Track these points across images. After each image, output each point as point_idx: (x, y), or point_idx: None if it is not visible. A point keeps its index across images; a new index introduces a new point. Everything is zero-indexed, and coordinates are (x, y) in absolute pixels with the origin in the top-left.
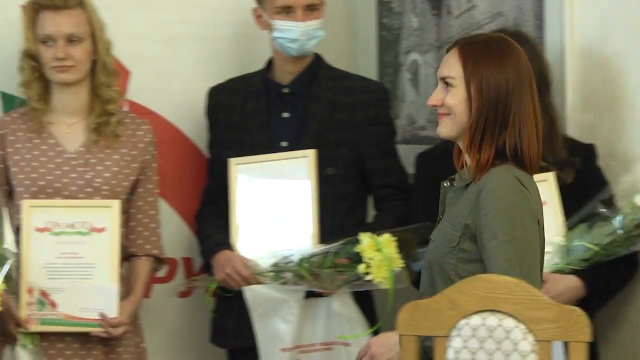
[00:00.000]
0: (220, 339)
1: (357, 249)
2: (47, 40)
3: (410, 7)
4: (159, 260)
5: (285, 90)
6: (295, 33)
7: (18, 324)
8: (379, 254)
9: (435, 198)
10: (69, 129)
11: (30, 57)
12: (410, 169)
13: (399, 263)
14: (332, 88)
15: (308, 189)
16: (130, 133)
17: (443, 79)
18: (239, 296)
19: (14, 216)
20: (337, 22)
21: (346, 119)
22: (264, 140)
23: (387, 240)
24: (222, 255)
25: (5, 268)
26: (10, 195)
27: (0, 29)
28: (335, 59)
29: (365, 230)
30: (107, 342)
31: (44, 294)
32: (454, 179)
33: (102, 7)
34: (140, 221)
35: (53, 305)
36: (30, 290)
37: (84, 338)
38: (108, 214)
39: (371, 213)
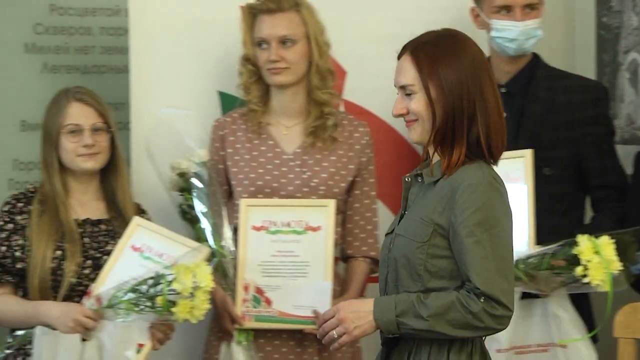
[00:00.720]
0: None
1: (575, 251)
2: (261, 43)
3: (631, 6)
4: (375, 262)
5: (502, 90)
6: (514, 32)
7: (234, 320)
8: (597, 256)
9: None
10: (287, 131)
11: (249, 61)
12: (628, 169)
13: (617, 266)
14: (550, 87)
15: (525, 189)
16: (347, 135)
17: (402, 88)
18: None
19: (232, 215)
20: (555, 21)
21: (563, 119)
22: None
23: (606, 243)
24: None
25: (212, 263)
26: (230, 195)
27: (217, 29)
28: (552, 58)
29: (582, 231)
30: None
31: (259, 291)
32: (420, 174)
33: (321, 8)
34: (356, 223)
35: (268, 302)
36: (246, 288)
37: (299, 336)
38: (324, 213)
39: (589, 214)
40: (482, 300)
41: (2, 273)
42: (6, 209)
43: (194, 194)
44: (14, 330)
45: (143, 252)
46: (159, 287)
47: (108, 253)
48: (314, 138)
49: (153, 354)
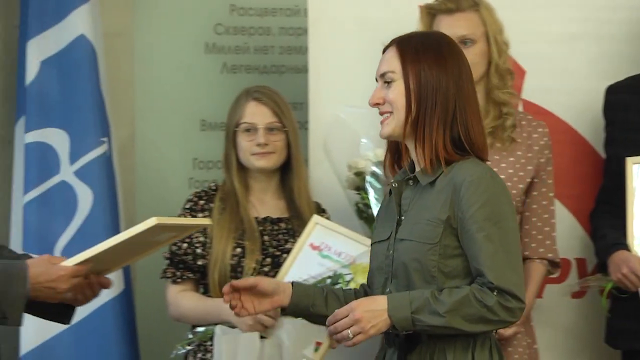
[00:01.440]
0: (615, 340)
1: None
2: None
3: None
4: (553, 264)
5: None
6: None
7: None
8: None
9: None
10: None
11: None
12: None
13: None
14: None
15: None
16: (526, 135)
17: (382, 75)
18: (635, 297)
19: None
20: None
21: None
22: None
23: None
24: (618, 256)
25: None
26: None
27: (395, 28)
28: None
29: None
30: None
31: None
32: (412, 178)
33: (499, 7)
34: (534, 224)
35: None
36: None
37: None
38: None
39: None
40: (495, 294)
41: (184, 270)
42: (188, 206)
43: (371, 193)
44: (194, 326)
45: (322, 250)
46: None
47: (287, 251)
48: (493, 138)
49: (329, 353)
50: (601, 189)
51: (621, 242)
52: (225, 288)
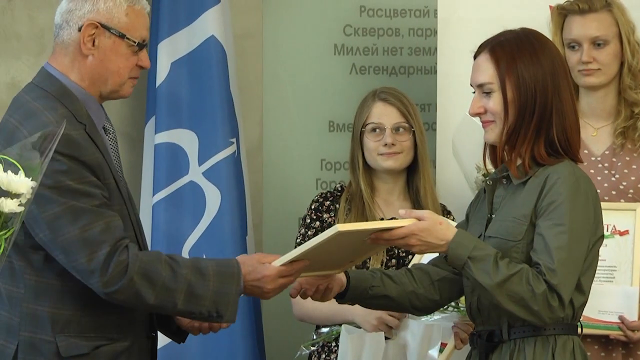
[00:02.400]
0: None
1: None
2: (572, 44)
3: None
4: None
5: None
6: None
7: None
8: None
9: None
10: (596, 132)
11: None
12: None
13: None
14: None
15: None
16: None
17: (480, 86)
18: None
19: None
20: None
21: None
22: None
23: None
24: None
25: None
26: None
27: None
28: None
29: None
30: (627, 346)
31: None
32: (505, 177)
33: (631, 7)
34: None
35: None
36: None
37: (604, 340)
38: (631, 217)
39: None
40: (546, 286)
41: None
42: (314, 207)
43: None
44: (318, 327)
45: None
46: None
47: (412, 253)
48: (624, 139)
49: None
50: None
51: None
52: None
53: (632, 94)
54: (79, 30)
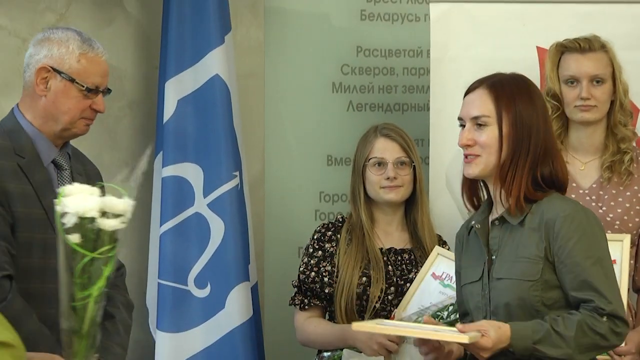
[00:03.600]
0: None
1: None
2: (571, 80)
3: None
4: None
5: None
6: None
7: None
8: None
9: None
10: (584, 167)
11: (552, 96)
12: None
13: None
14: None
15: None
16: None
17: (475, 119)
18: None
19: None
20: None
21: None
22: None
23: None
24: None
25: None
26: None
27: (515, 69)
28: None
29: None
30: None
31: None
32: (500, 218)
33: (617, 48)
34: None
35: None
36: None
37: None
38: (619, 247)
39: None
40: (605, 319)
41: (312, 297)
42: (316, 237)
43: None
44: (320, 351)
45: (443, 279)
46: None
47: (410, 280)
48: (611, 173)
49: None
50: None
51: None
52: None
53: (622, 129)
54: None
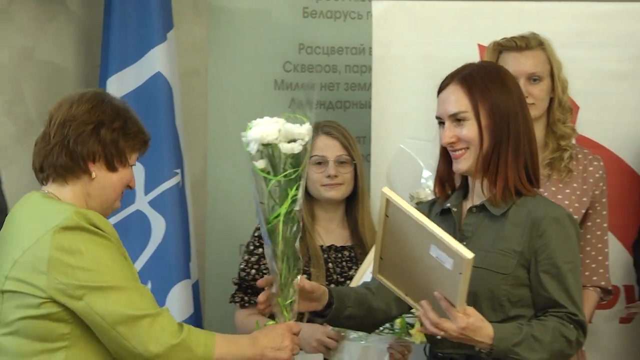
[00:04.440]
0: None
1: None
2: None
3: None
4: (605, 291)
5: None
6: None
7: None
8: None
9: None
10: None
11: None
12: None
13: None
14: None
15: None
16: (582, 168)
17: (453, 116)
18: None
19: None
20: None
21: None
22: None
23: None
24: None
25: None
26: None
27: (454, 66)
28: None
29: None
30: None
31: None
32: (480, 206)
33: (555, 46)
34: (588, 254)
35: None
36: None
37: None
38: None
39: None
40: (574, 328)
41: (252, 295)
42: (257, 234)
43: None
44: None
45: None
46: None
47: (351, 278)
48: (550, 170)
49: None
50: None
51: None
52: (261, 297)
53: (561, 127)
54: None
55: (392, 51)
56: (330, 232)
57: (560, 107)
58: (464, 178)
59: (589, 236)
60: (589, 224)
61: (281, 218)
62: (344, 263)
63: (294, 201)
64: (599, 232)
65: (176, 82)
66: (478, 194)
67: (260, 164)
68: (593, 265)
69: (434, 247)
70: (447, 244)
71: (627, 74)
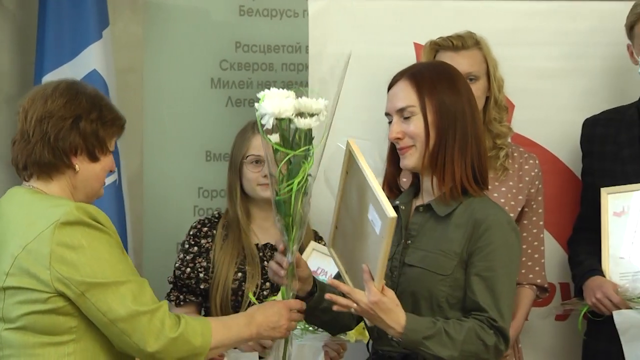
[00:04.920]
0: None
1: None
2: None
3: None
4: (541, 289)
5: None
6: None
7: None
8: None
9: None
10: None
11: None
12: None
13: None
14: None
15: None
16: (517, 167)
17: (401, 110)
18: (609, 320)
19: None
20: None
21: None
22: (636, 170)
23: None
24: (593, 281)
25: None
26: None
27: (392, 64)
28: None
29: None
30: None
31: None
32: (426, 206)
33: (490, 44)
34: (524, 252)
35: None
36: None
37: None
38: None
39: None
40: (494, 334)
41: (187, 293)
42: (192, 233)
43: None
44: None
45: (318, 275)
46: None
47: None
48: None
49: None
50: (578, 216)
51: (596, 268)
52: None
53: (497, 125)
54: None
55: (328, 49)
56: (266, 230)
57: (496, 106)
58: (414, 175)
59: (525, 234)
60: (525, 222)
61: (293, 191)
62: None
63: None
64: (535, 230)
65: (112, 80)
66: (428, 191)
67: (274, 138)
68: (529, 263)
69: (371, 208)
70: (378, 197)
71: (561, 72)
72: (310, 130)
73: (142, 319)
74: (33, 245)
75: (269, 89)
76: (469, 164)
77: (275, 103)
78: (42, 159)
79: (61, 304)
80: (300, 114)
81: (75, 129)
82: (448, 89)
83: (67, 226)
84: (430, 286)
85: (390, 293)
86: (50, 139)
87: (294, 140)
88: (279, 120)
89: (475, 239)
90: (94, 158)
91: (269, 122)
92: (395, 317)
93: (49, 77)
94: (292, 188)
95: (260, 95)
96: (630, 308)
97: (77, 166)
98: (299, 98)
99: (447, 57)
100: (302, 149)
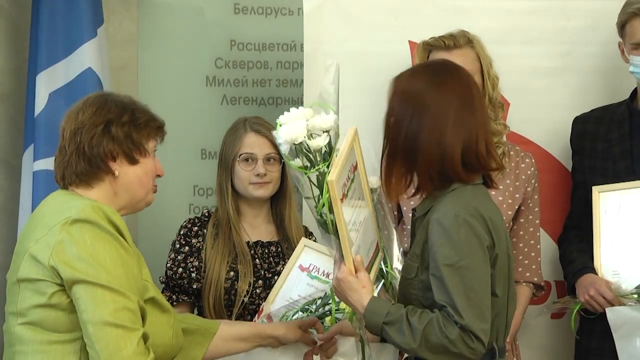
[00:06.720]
0: (583, 358)
1: None
2: None
3: None
4: (537, 287)
5: None
6: None
7: None
8: None
9: None
10: None
11: None
12: None
13: None
14: None
15: None
16: (514, 165)
17: None
18: (602, 318)
19: (402, 239)
20: None
21: None
22: (627, 168)
23: None
24: (585, 279)
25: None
26: (400, 220)
27: (387, 62)
28: None
29: None
30: None
31: None
32: (413, 210)
33: (485, 42)
34: (521, 250)
35: None
36: None
37: None
38: None
39: None
40: (458, 328)
41: (179, 293)
42: (182, 232)
43: None
44: None
45: (310, 271)
46: (327, 308)
47: (278, 273)
48: None
49: None
50: (569, 214)
51: (588, 265)
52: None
53: (492, 124)
54: None
55: (322, 47)
56: (256, 227)
57: (491, 104)
58: None
59: (521, 232)
60: (522, 220)
61: (326, 207)
62: (271, 258)
63: None
64: (531, 229)
65: (107, 77)
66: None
67: (297, 162)
68: (525, 262)
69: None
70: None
71: (556, 70)
72: (325, 146)
73: (113, 332)
74: (44, 238)
75: (263, 87)
76: (447, 154)
77: (288, 130)
78: (78, 168)
79: (64, 299)
80: (311, 135)
81: (107, 134)
82: (397, 97)
83: (77, 223)
84: (404, 290)
85: (362, 275)
86: (85, 147)
87: (316, 159)
88: (297, 145)
89: (429, 238)
90: (133, 161)
91: (286, 149)
92: (358, 297)
93: (43, 75)
94: (324, 204)
95: (278, 121)
96: (623, 305)
97: (116, 171)
98: (308, 120)
99: (440, 57)
100: (316, 167)
